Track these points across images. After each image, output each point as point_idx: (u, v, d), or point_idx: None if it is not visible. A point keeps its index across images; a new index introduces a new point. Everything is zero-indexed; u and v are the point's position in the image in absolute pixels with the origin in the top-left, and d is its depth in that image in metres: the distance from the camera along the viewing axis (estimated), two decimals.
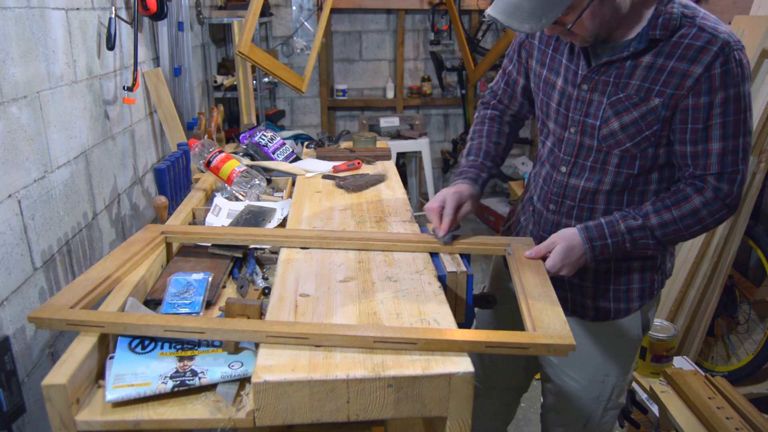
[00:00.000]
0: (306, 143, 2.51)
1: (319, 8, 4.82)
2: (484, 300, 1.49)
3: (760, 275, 2.80)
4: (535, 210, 1.56)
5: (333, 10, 4.71)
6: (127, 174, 2.29)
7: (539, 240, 1.44)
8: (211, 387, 1.02)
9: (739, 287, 2.81)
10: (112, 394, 0.97)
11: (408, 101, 5.12)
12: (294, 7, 4.87)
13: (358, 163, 2.15)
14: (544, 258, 1.36)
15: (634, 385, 2.37)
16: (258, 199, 1.86)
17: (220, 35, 4.25)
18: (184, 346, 1.09)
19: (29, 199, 1.55)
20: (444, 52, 5.08)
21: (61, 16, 1.77)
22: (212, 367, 1.03)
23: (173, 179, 1.86)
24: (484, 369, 1.79)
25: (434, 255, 1.41)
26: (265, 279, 1.43)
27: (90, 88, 1.96)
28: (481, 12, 4.91)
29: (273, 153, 2.21)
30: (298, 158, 2.26)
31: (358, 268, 1.32)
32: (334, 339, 1.02)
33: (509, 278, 1.63)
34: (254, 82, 3.79)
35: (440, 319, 1.11)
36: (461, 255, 1.42)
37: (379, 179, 1.98)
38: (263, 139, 2.24)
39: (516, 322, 1.70)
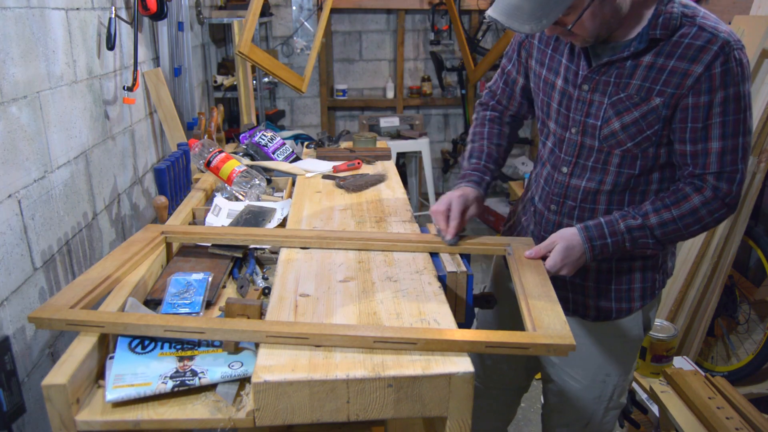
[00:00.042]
0: (306, 143, 2.51)
1: (319, 8, 4.82)
2: (484, 300, 1.49)
3: (760, 275, 2.80)
4: (536, 210, 1.55)
5: (333, 10, 4.71)
6: (127, 174, 2.29)
7: (540, 241, 1.44)
8: (211, 387, 1.02)
9: (739, 287, 2.81)
10: (112, 394, 0.97)
11: (408, 101, 5.12)
12: (294, 7, 4.87)
13: (358, 163, 2.15)
14: (544, 258, 1.36)
15: (634, 385, 2.37)
16: (258, 199, 1.86)
17: (220, 35, 4.25)
18: (184, 346, 1.09)
19: (29, 199, 1.55)
20: (444, 52, 5.08)
21: (61, 16, 1.77)
22: (212, 367, 1.03)
23: (173, 179, 1.86)
24: (485, 369, 1.79)
25: (434, 255, 1.41)
26: (265, 279, 1.43)
27: (90, 88, 1.96)
28: (481, 12, 4.91)
29: (273, 153, 2.21)
30: (298, 158, 2.26)
31: (358, 268, 1.32)
32: (334, 339, 1.02)
33: (509, 278, 1.63)
34: (254, 82, 3.79)
35: (440, 319, 1.11)
36: (461, 255, 1.42)
37: (379, 179, 1.98)
38: (263, 139, 2.24)
39: (516, 322, 1.70)
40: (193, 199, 1.81)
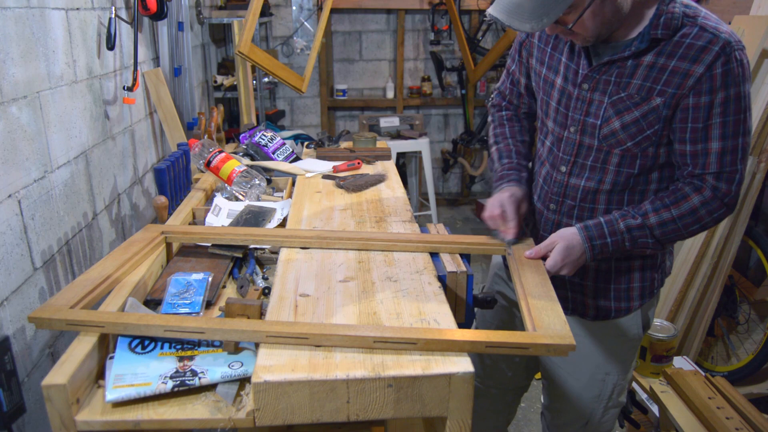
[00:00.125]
0: (306, 143, 2.51)
1: (319, 8, 4.82)
2: (484, 300, 1.49)
3: (760, 275, 2.80)
4: (535, 209, 1.56)
5: (333, 10, 4.71)
6: (127, 174, 2.29)
7: (539, 240, 1.44)
8: (211, 387, 1.02)
9: (739, 287, 2.81)
10: (112, 394, 0.97)
11: (408, 101, 5.12)
12: (294, 7, 4.87)
13: (358, 163, 2.15)
14: (544, 258, 1.36)
15: (634, 385, 2.37)
16: (258, 199, 1.86)
17: (220, 35, 4.25)
18: (184, 346, 1.09)
19: (29, 199, 1.55)
20: (444, 52, 5.08)
21: (61, 16, 1.77)
22: (212, 367, 1.03)
23: (173, 179, 1.86)
24: (484, 368, 1.79)
25: (434, 255, 1.41)
26: (265, 279, 1.43)
27: (90, 88, 1.96)
28: (481, 12, 4.91)
29: (273, 153, 2.21)
30: (298, 158, 2.26)
31: (358, 268, 1.32)
32: (334, 339, 1.02)
33: (509, 278, 1.63)
34: (254, 82, 3.79)
35: (440, 319, 1.11)
36: (461, 255, 1.42)
37: (379, 179, 1.98)
38: (263, 139, 2.24)
39: (516, 323, 1.70)
40: (193, 199, 1.81)
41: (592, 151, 1.39)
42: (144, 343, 1.09)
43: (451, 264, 1.36)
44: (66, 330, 1.19)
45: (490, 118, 1.69)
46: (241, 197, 1.85)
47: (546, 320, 1.11)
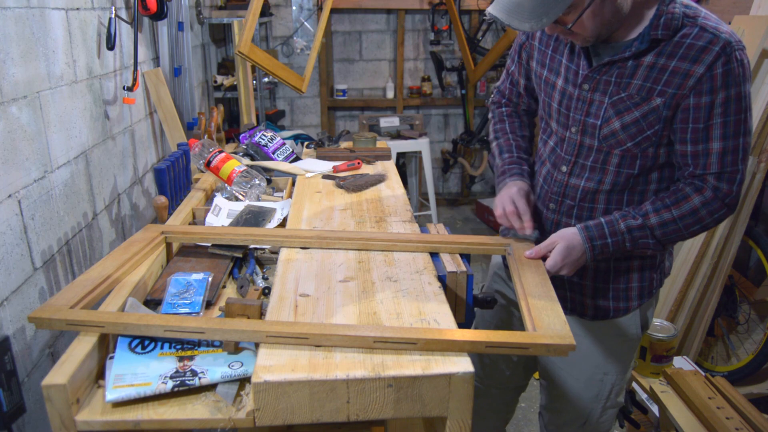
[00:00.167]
0: (306, 143, 2.51)
1: (319, 8, 4.82)
2: (484, 300, 1.49)
3: (760, 275, 2.80)
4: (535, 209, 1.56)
5: (333, 10, 4.71)
6: (127, 174, 2.29)
7: (539, 239, 1.44)
8: (211, 387, 1.02)
9: (739, 287, 2.81)
10: (112, 394, 0.97)
11: (408, 101, 5.12)
12: (294, 7, 4.87)
13: (358, 163, 2.15)
14: (544, 258, 1.36)
15: (634, 385, 2.37)
16: (258, 199, 1.86)
17: (220, 35, 4.25)
18: (184, 346, 1.09)
19: (29, 199, 1.55)
20: (444, 52, 5.08)
21: (61, 16, 1.77)
22: (212, 367, 1.03)
23: (173, 179, 1.86)
24: (483, 368, 1.79)
25: (434, 255, 1.41)
26: (265, 279, 1.43)
27: (90, 88, 1.96)
28: (481, 12, 4.91)
29: (273, 153, 2.21)
30: (298, 158, 2.26)
31: (358, 268, 1.32)
32: (334, 339, 1.02)
33: (509, 277, 1.63)
34: (254, 82, 3.79)
35: (440, 319, 1.11)
36: (461, 255, 1.42)
37: (379, 179, 1.98)
38: (263, 139, 2.24)
39: (516, 323, 1.70)
40: (193, 199, 1.81)
41: (593, 152, 1.39)
42: (144, 343, 1.09)
43: (451, 264, 1.36)
44: (66, 330, 1.19)
45: (490, 115, 1.70)
46: (241, 197, 1.85)
47: (546, 320, 1.11)
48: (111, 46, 2.04)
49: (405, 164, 4.66)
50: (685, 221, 1.30)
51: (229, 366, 1.04)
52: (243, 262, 1.51)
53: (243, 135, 2.37)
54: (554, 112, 1.45)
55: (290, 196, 1.91)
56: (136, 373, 1.01)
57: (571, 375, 1.56)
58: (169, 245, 1.49)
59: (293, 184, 2.04)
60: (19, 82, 1.51)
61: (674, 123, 1.29)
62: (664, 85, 1.26)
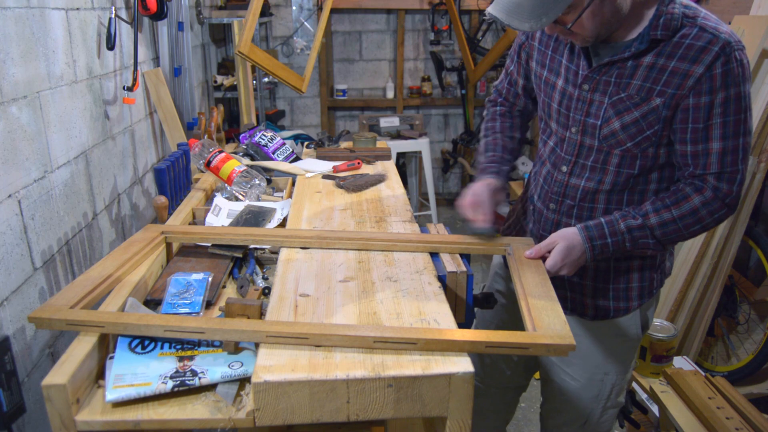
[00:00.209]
0: (306, 143, 2.51)
1: (319, 8, 4.82)
2: (484, 300, 1.49)
3: (760, 275, 2.80)
4: (535, 209, 1.56)
5: (333, 10, 4.71)
6: (127, 174, 2.29)
7: (539, 239, 1.44)
8: (211, 387, 1.02)
9: (739, 287, 2.81)
10: (112, 394, 0.97)
11: (408, 101, 5.12)
12: (294, 7, 4.87)
13: (358, 163, 2.15)
14: (543, 258, 1.36)
15: (634, 385, 2.37)
16: (258, 199, 1.86)
17: (220, 35, 4.25)
18: (184, 346, 1.09)
19: (29, 199, 1.55)
20: (444, 52, 5.08)
21: (61, 16, 1.77)
22: (212, 367, 1.03)
23: (173, 179, 1.86)
24: (484, 367, 1.79)
25: (434, 255, 1.41)
26: (265, 279, 1.43)
27: (90, 88, 1.96)
28: (481, 12, 4.91)
29: (273, 153, 2.21)
30: (298, 158, 2.26)
31: (358, 268, 1.32)
32: (334, 339, 1.02)
33: (509, 278, 1.63)
34: (254, 82, 3.79)
35: (440, 319, 1.11)
36: (461, 255, 1.42)
37: (379, 179, 1.98)
38: (263, 139, 2.24)
39: (517, 323, 1.70)
40: (193, 199, 1.81)
41: (593, 152, 1.39)
42: (144, 343, 1.09)
43: (451, 264, 1.36)
44: (66, 330, 1.19)
45: (485, 113, 1.70)
46: (241, 197, 1.85)
47: (546, 320, 1.11)
48: (111, 46, 2.04)
49: (405, 164, 4.66)
50: (685, 221, 1.30)
51: (229, 366, 1.04)
52: (243, 262, 1.51)
53: (243, 135, 2.37)
54: (554, 113, 1.45)
55: (290, 196, 1.91)
56: (136, 373, 1.01)
57: (572, 375, 1.56)
58: (169, 245, 1.49)
59: (293, 184, 2.04)
60: (19, 82, 1.51)
61: (674, 123, 1.29)
62: (663, 85, 1.26)
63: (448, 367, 0.98)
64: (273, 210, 1.71)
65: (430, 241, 1.43)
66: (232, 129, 3.73)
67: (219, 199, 1.77)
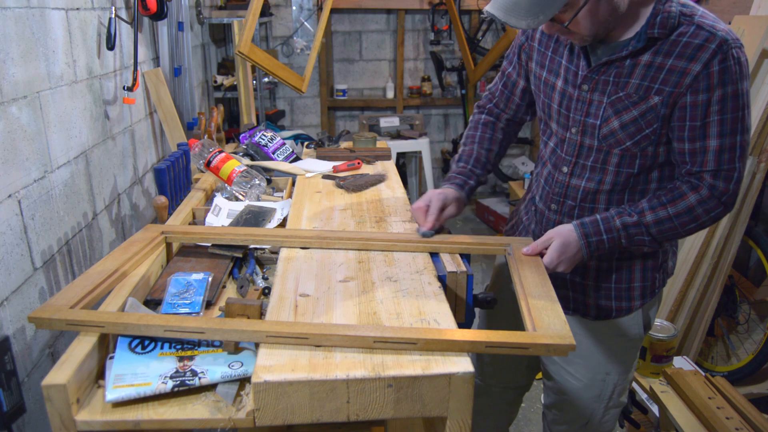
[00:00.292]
0: (306, 143, 2.51)
1: (319, 8, 4.82)
2: (484, 300, 1.49)
3: (760, 275, 2.80)
4: (537, 210, 1.56)
5: (333, 10, 4.71)
6: (127, 174, 2.29)
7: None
8: (211, 387, 1.02)
9: (739, 287, 2.81)
10: (112, 394, 0.97)
11: (408, 101, 5.13)
12: (294, 7, 4.87)
13: (358, 163, 2.15)
14: (541, 255, 1.36)
15: (634, 385, 2.37)
16: (258, 199, 1.86)
17: (220, 35, 4.25)
18: (184, 346, 1.09)
19: (29, 199, 1.55)
20: (444, 52, 5.08)
21: (61, 16, 1.77)
22: (212, 367, 1.03)
23: (173, 179, 1.86)
24: (486, 366, 1.79)
25: (434, 255, 1.41)
26: (265, 279, 1.43)
27: (90, 88, 1.96)
28: (481, 12, 4.91)
29: (273, 153, 2.21)
30: (298, 158, 2.26)
31: (358, 268, 1.32)
32: (334, 339, 1.02)
33: (510, 278, 1.63)
34: (254, 82, 3.79)
35: (440, 319, 1.11)
36: (461, 255, 1.42)
37: (379, 179, 1.98)
38: (263, 139, 2.24)
39: (517, 322, 1.70)
40: (193, 199, 1.81)
41: (593, 152, 1.39)
42: (144, 343, 1.09)
43: (451, 264, 1.36)
44: (66, 330, 1.19)
45: (471, 118, 1.70)
46: (241, 197, 1.85)
47: (546, 320, 1.11)
48: (111, 46, 2.04)
49: (405, 164, 4.66)
50: (681, 219, 1.31)
51: (229, 366, 1.04)
52: (243, 262, 1.51)
53: (243, 135, 2.37)
54: (554, 113, 1.45)
55: (290, 196, 1.91)
56: (136, 373, 1.01)
57: (574, 375, 1.56)
58: (169, 245, 1.49)
59: (293, 184, 2.04)
60: (19, 82, 1.51)
61: (672, 121, 1.29)
62: (661, 83, 1.26)
63: (448, 367, 0.98)
64: (273, 210, 1.71)
65: (430, 241, 1.43)
66: (232, 129, 3.73)
67: (219, 199, 1.77)
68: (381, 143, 2.46)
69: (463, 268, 1.34)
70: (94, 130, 1.98)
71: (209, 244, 1.50)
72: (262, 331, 1.03)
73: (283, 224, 1.66)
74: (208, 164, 1.90)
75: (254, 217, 1.66)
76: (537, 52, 1.48)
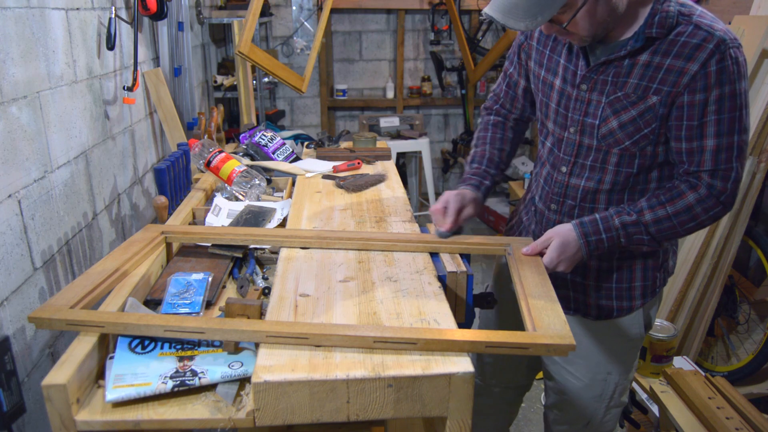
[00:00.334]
0: (306, 143, 2.52)
1: (319, 8, 4.82)
2: (484, 300, 1.49)
3: (760, 275, 2.80)
4: (536, 210, 1.56)
5: (333, 10, 4.71)
6: (127, 174, 2.29)
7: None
8: (211, 387, 1.02)
9: (739, 287, 2.81)
10: (112, 394, 0.97)
11: (408, 101, 5.13)
12: (294, 7, 4.87)
13: (358, 163, 2.15)
14: (541, 254, 1.36)
15: (634, 385, 2.36)
16: (258, 199, 1.86)
17: (220, 35, 4.25)
18: (184, 346, 1.09)
19: (29, 199, 1.55)
20: (444, 52, 5.08)
21: (61, 16, 1.77)
22: (212, 367, 1.03)
23: (173, 179, 1.86)
24: (486, 366, 1.79)
25: (434, 255, 1.41)
26: (265, 279, 1.43)
27: (90, 88, 1.96)
28: (481, 12, 4.90)
29: (273, 153, 2.21)
30: (298, 158, 2.26)
31: (358, 268, 1.32)
32: (334, 339, 1.02)
33: (511, 279, 1.63)
34: (254, 82, 3.79)
35: (440, 319, 1.11)
36: (461, 255, 1.42)
37: (379, 179, 1.98)
38: (263, 139, 2.24)
39: (518, 322, 1.71)
40: (193, 199, 1.81)
41: (592, 151, 1.39)
42: (144, 343, 1.09)
43: (451, 264, 1.36)
44: (66, 330, 1.19)
45: (479, 119, 1.71)
46: (241, 197, 1.85)
47: (546, 320, 1.11)
48: (111, 46, 2.04)
49: (405, 164, 4.66)
50: (679, 218, 1.31)
51: (229, 366, 1.04)
52: (243, 262, 1.51)
53: (243, 135, 2.37)
54: (552, 113, 1.45)
55: (290, 196, 1.91)
56: (136, 373, 1.01)
57: (575, 374, 1.56)
58: (169, 245, 1.49)
59: (293, 184, 2.04)
60: (19, 82, 1.51)
61: (669, 120, 1.29)
62: (659, 83, 1.26)
63: (448, 367, 0.98)
64: (273, 210, 1.72)
65: (430, 241, 1.43)
66: (232, 129, 3.73)
67: (219, 199, 1.77)
68: (381, 143, 2.46)
69: (463, 268, 1.34)
70: (94, 130, 1.98)
71: (209, 244, 1.50)
72: (262, 331, 1.03)
73: (283, 224, 1.66)
74: (208, 164, 1.90)
75: (254, 217, 1.66)
76: (536, 51, 1.48)
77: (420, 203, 4.74)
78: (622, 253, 1.43)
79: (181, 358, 1.06)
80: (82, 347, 1.03)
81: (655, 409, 2.19)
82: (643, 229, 1.32)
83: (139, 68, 2.27)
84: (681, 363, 2.41)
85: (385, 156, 2.29)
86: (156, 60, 2.68)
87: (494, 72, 5.10)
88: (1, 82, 1.44)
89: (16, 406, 1.38)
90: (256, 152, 2.20)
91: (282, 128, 4.43)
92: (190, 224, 1.70)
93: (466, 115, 5.06)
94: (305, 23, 4.89)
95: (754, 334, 2.77)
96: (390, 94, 5.10)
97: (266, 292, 1.35)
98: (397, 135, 4.25)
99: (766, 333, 2.60)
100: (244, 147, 2.25)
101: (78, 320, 1.07)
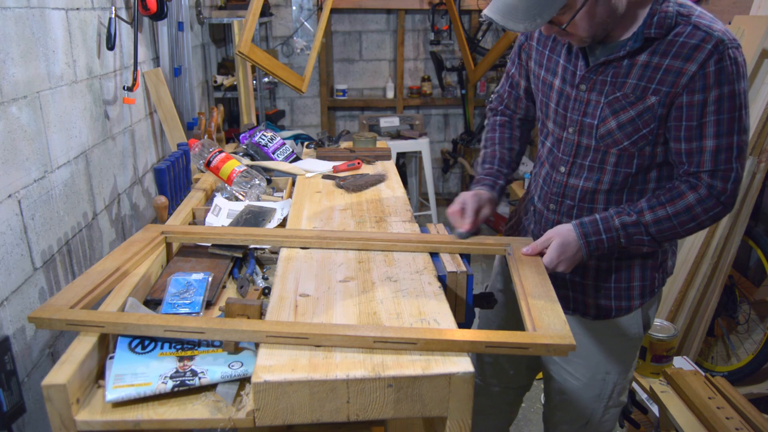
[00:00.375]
0: (306, 143, 2.52)
1: (319, 8, 4.82)
2: (484, 300, 1.49)
3: (760, 275, 2.80)
4: (536, 210, 1.56)
5: (333, 10, 4.71)
6: (127, 174, 2.29)
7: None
8: (211, 387, 1.02)
9: (739, 287, 2.81)
10: (112, 394, 0.97)
11: (408, 101, 5.13)
12: (294, 7, 4.87)
13: (358, 163, 2.15)
14: (541, 254, 1.36)
15: (634, 385, 2.37)
16: (258, 199, 1.86)
17: (220, 35, 4.25)
18: (184, 346, 1.09)
19: (29, 199, 1.55)
20: (444, 52, 5.08)
21: (61, 16, 1.77)
22: (212, 367, 1.03)
23: (173, 179, 1.86)
24: (486, 366, 1.79)
25: (434, 255, 1.41)
26: (265, 279, 1.43)
27: (90, 88, 1.96)
28: (481, 12, 4.91)
29: (273, 153, 2.21)
30: (298, 158, 2.27)
31: (358, 268, 1.32)
32: (334, 339, 1.02)
33: (510, 278, 1.63)
34: (254, 82, 3.79)
35: (440, 319, 1.11)
36: (461, 255, 1.42)
37: (379, 179, 1.98)
38: (263, 139, 2.24)
39: (519, 322, 1.71)
40: (193, 199, 1.81)
41: (590, 152, 1.39)
42: (144, 343, 1.09)
43: (451, 264, 1.36)
44: (66, 330, 1.19)
45: (486, 121, 1.71)
46: (241, 197, 1.85)
47: (546, 320, 1.11)
48: (111, 46, 2.04)
49: (405, 164, 4.66)
50: (679, 218, 1.31)
51: (229, 366, 1.04)
52: (243, 262, 1.51)
53: (243, 135, 2.37)
54: (551, 113, 1.45)
55: (290, 196, 1.91)
56: (136, 373, 1.01)
57: (573, 374, 1.57)
58: (169, 245, 1.49)
59: (293, 184, 2.04)
60: (19, 82, 1.51)
61: (668, 121, 1.29)
62: (658, 83, 1.26)
63: (448, 367, 0.98)
64: (273, 210, 1.72)
65: (430, 241, 1.43)
66: (232, 129, 3.73)
67: (219, 199, 1.77)
68: (381, 143, 2.46)
69: (463, 268, 1.34)
70: (94, 130, 1.98)
71: (209, 244, 1.50)
72: (262, 331, 1.03)
73: (283, 224, 1.66)
74: (208, 164, 1.90)
75: (254, 217, 1.66)
76: (536, 51, 1.48)
77: (420, 203, 4.74)
78: (621, 253, 1.43)
79: (181, 358, 1.06)
80: (82, 347, 1.03)
81: (655, 409, 2.19)
82: (644, 230, 1.32)
83: (139, 68, 2.27)
84: (681, 363, 2.41)
85: (385, 156, 2.29)
86: (156, 60, 2.68)
87: (494, 72, 5.10)
88: (1, 82, 1.44)
89: (16, 406, 1.38)
90: (256, 152, 2.20)
91: (282, 128, 4.43)
92: (190, 224, 1.71)
93: (466, 115, 5.06)
94: (305, 23, 4.89)
95: (754, 334, 2.78)
96: (390, 94, 5.10)
97: (266, 292, 1.35)
98: (397, 135, 4.25)
99: (766, 333, 2.60)
100: (244, 147, 2.25)
101: (78, 320, 1.07)
